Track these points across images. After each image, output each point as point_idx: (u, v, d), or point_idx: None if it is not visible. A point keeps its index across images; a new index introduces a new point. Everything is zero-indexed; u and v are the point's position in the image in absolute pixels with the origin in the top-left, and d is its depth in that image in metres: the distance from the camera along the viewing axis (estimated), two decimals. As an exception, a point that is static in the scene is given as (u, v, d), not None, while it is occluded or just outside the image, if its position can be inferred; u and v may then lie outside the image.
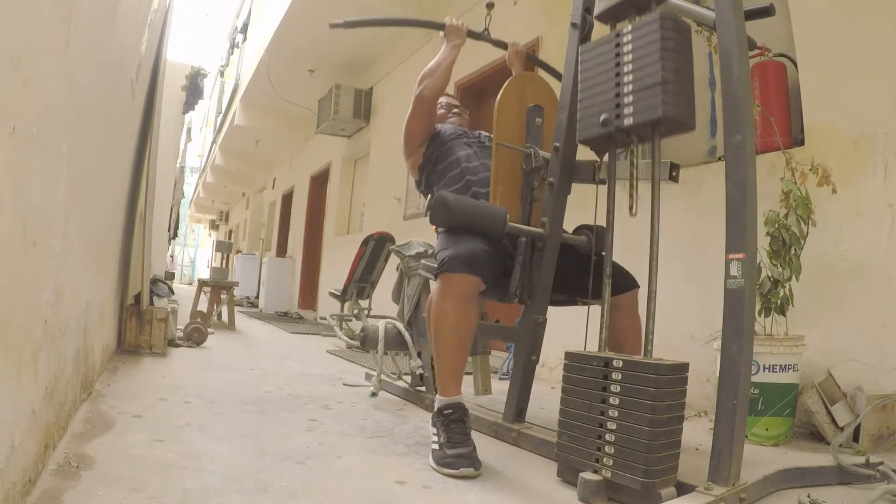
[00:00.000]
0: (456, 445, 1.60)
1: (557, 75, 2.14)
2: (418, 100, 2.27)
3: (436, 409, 1.74)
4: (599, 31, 1.94)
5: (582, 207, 1.95)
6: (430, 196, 1.88)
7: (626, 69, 1.53)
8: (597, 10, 1.73)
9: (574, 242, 1.97)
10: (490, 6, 2.47)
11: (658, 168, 1.59)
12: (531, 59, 2.55)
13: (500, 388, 2.41)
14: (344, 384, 2.96)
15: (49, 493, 1.18)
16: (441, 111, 2.46)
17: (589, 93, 1.65)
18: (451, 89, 5.00)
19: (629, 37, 1.54)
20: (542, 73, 2.62)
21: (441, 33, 2.35)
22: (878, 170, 2.17)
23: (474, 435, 1.71)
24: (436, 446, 1.65)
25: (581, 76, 1.69)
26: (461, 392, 1.77)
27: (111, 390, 2.25)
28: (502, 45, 2.43)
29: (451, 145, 2.28)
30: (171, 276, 12.79)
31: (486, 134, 2.36)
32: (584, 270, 1.79)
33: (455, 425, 1.66)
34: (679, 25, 1.50)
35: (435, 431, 1.70)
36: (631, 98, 1.51)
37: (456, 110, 2.52)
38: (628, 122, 1.51)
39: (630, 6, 1.63)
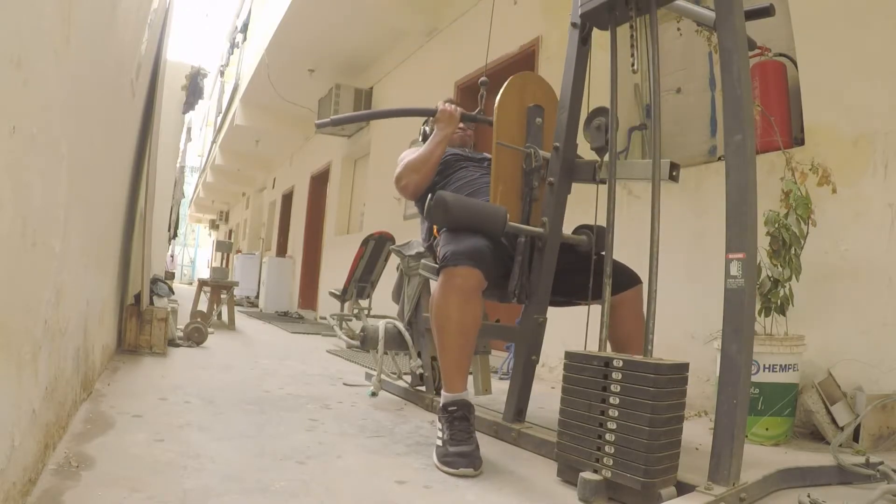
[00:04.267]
0: (458, 443, 1.60)
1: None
2: (400, 190, 2.25)
3: (441, 405, 1.74)
4: (599, 31, 1.94)
5: (582, 208, 1.95)
6: (429, 196, 1.88)
7: None
8: None
9: (574, 242, 1.97)
10: (484, 84, 2.32)
11: (658, 168, 1.59)
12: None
13: (500, 387, 2.41)
14: (344, 384, 2.96)
15: (49, 493, 1.18)
16: None
17: None
18: (450, 91, 5.00)
19: None
20: (542, 74, 2.61)
21: (431, 120, 2.27)
22: (879, 170, 2.18)
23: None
24: (439, 442, 1.65)
25: None
26: (467, 388, 1.76)
27: (111, 390, 2.25)
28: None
29: (453, 169, 2.25)
30: (171, 275, 12.80)
31: (489, 156, 2.34)
32: (584, 272, 1.79)
33: (458, 423, 1.66)
34: None
35: (440, 427, 1.70)
36: None
37: (461, 125, 2.39)
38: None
39: None
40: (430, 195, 1.88)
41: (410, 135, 5.90)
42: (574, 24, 1.92)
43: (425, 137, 2.45)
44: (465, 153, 2.35)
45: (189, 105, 5.77)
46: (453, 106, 2.25)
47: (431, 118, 2.27)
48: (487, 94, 2.31)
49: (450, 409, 1.70)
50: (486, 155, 2.36)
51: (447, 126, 2.20)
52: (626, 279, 1.91)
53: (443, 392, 1.77)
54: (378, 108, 7.01)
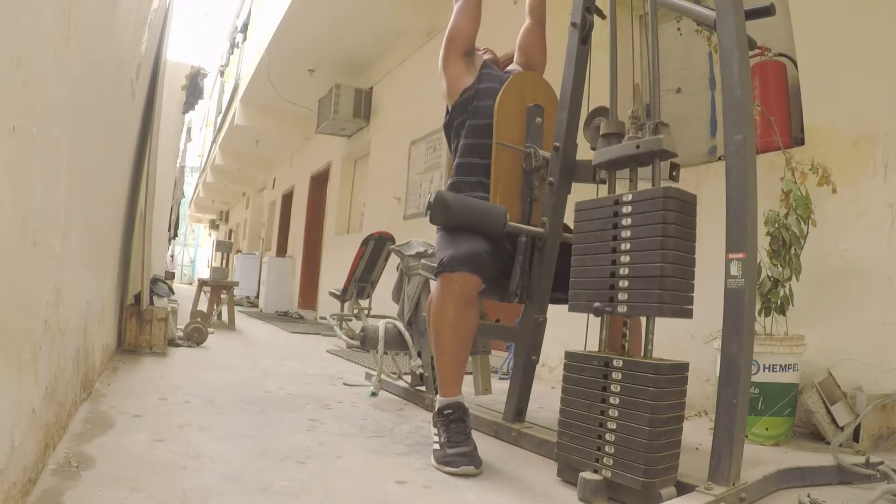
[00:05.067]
0: (457, 445, 1.60)
1: None
2: (459, 15, 2.11)
3: (436, 409, 1.74)
4: (599, 30, 1.94)
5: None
6: (429, 195, 1.87)
7: (623, 247, 1.46)
8: (595, 159, 1.64)
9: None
10: None
11: (658, 168, 1.59)
12: None
13: (500, 387, 2.41)
14: (344, 384, 2.96)
15: (49, 493, 1.18)
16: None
17: (584, 260, 1.57)
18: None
19: (629, 208, 1.47)
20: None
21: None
22: (879, 169, 2.17)
23: (475, 434, 1.71)
24: (437, 446, 1.66)
25: (576, 238, 1.62)
26: (461, 392, 1.77)
27: (111, 390, 2.25)
28: None
29: (489, 104, 2.07)
30: (171, 275, 12.80)
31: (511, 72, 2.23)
32: None
33: (455, 425, 1.66)
34: (683, 203, 1.42)
35: (436, 431, 1.70)
36: (627, 283, 1.44)
37: (489, 51, 2.37)
38: (622, 310, 1.46)
39: (631, 161, 1.56)
40: (429, 195, 1.88)
41: (412, 133, 5.91)
42: (574, 24, 1.92)
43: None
44: (497, 85, 2.14)
45: (189, 105, 5.77)
46: None
47: None
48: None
49: (445, 412, 1.71)
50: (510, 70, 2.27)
51: None
52: None
53: (438, 396, 1.77)
54: (378, 109, 7.01)
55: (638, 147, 1.52)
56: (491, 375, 2.63)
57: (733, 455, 1.34)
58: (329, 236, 8.35)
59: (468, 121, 2.09)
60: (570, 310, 1.62)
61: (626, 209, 1.48)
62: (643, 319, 1.52)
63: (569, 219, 1.94)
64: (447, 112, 2.20)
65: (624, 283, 1.45)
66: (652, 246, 1.40)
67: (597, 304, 1.50)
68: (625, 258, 1.46)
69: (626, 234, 1.47)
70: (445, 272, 1.77)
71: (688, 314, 1.45)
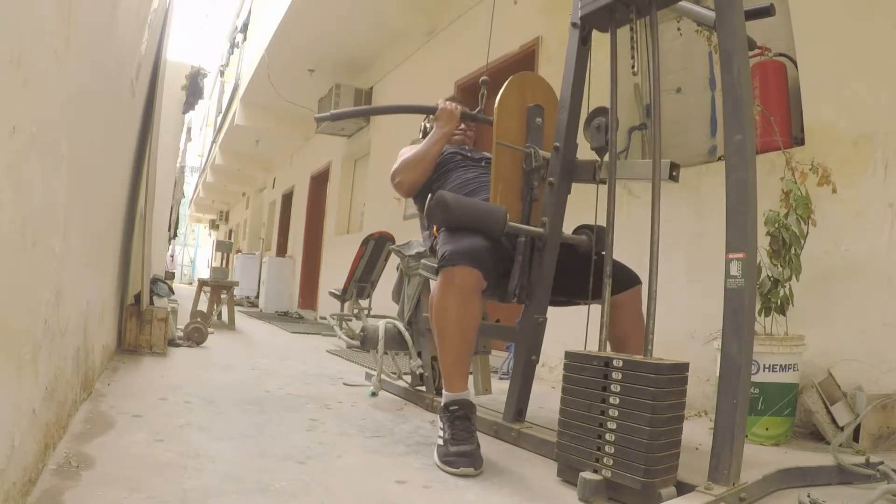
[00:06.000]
0: (459, 443, 1.60)
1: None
2: (395, 186, 2.25)
3: (442, 405, 1.74)
4: (599, 32, 1.94)
5: (582, 207, 1.95)
6: (429, 196, 1.88)
7: None
8: None
9: (574, 242, 1.97)
10: (484, 83, 2.32)
11: (658, 168, 1.59)
12: None
13: (500, 387, 2.41)
14: (344, 384, 2.96)
15: (49, 493, 1.18)
16: None
17: None
18: (450, 91, 5.00)
19: None
20: (542, 74, 2.60)
21: (431, 118, 2.27)
22: (879, 169, 2.17)
23: (474, 434, 1.71)
24: (440, 441, 1.66)
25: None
26: (468, 387, 1.77)
27: (111, 390, 2.25)
28: None
29: (449, 168, 2.25)
30: (171, 275, 12.81)
31: (488, 155, 2.33)
32: (585, 271, 1.79)
33: (460, 422, 1.66)
34: None
35: (441, 426, 1.70)
36: None
37: (462, 126, 2.39)
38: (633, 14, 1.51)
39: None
40: (430, 195, 1.88)
41: (411, 133, 5.89)
42: (574, 24, 1.92)
43: (425, 134, 2.45)
44: (464, 152, 2.34)
45: (189, 105, 5.77)
46: (454, 104, 2.25)
47: (432, 115, 2.27)
48: (488, 93, 2.30)
49: (451, 408, 1.70)
50: (486, 154, 2.35)
51: (447, 124, 2.20)
52: (624, 279, 1.91)
53: (444, 392, 1.77)
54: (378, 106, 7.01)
55: None
56: (491, 375, 2.63)
57: (733, 455, 1.34)
58: (329, 236, 8.35)
59: (433, 185, 2.21)
60: (582, 16, 1.67)
61: None
62: (642, 319, 1.52)
63: (568, 219, 1.95)
64: (417, 199, 2.33)
65: None
66: None
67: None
68: None
69: None
70: (446, 266, 1.76)
71: None
